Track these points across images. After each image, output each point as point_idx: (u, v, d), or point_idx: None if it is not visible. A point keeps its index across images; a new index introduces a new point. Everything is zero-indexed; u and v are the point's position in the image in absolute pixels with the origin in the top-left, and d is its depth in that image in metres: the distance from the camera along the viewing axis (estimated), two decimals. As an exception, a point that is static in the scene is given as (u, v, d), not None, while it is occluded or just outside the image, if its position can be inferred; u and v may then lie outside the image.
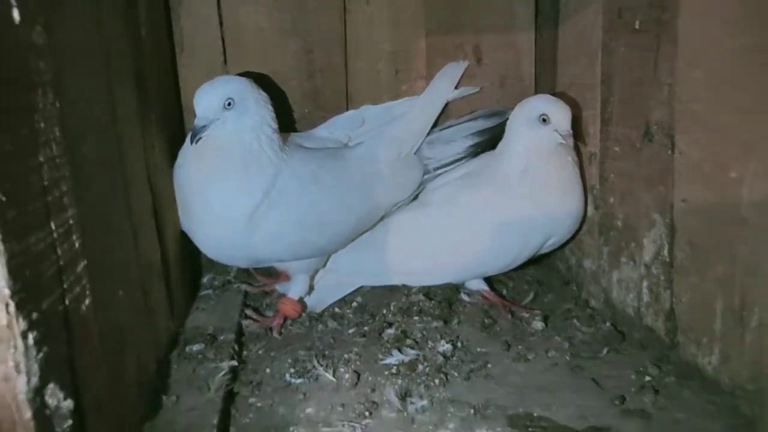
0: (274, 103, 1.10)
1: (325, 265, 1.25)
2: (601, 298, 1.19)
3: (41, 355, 0.51)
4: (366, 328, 1.15)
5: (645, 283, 1.05)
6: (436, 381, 0.96)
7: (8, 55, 0.52)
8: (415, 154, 1.27)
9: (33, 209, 0.54)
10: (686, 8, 0.89)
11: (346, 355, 1.05)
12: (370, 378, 0.98)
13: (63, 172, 0.61)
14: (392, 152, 1.22)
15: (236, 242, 1.08)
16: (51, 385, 0.53)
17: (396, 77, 1.36)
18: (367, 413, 0.89)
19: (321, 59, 1.32)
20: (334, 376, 0.99)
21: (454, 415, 0.88)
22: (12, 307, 0.48)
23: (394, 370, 1.00)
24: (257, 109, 1.05)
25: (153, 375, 0.89)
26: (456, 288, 1.29)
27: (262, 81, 1.22)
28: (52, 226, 0.57)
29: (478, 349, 1.07)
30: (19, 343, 0.49)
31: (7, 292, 0.48)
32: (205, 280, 1.31)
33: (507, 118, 1.22)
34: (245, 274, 1.34)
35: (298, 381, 0.98)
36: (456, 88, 1.34)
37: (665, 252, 0.99)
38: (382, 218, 1.24)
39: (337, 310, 1.24)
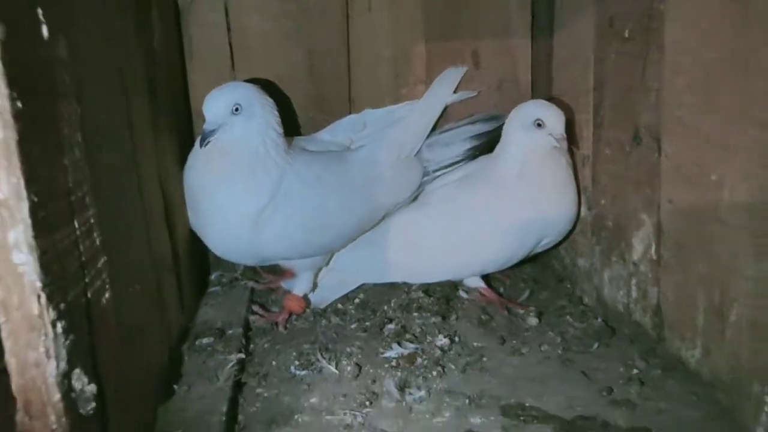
0: (279, 108, 1.14)
1: (328, 263, 1.29)
2: (594, 295, 1.23)
3: (68, 342, 0.56)
4: (367, 323, 1.19)
5: (634, 281, 1.09)
6: (434, 373, 1.01)
7: (38, 68, 0.57)
8: (415, 156, 1.30)
9: (59, 208, 0.59)
10: (671, 19, 0.93)
11: (348, 349, 1.09)
12: (370, 370, 1.03)
13: (84, 174, 0.66)
14: (393, 155, 1.26)
15: (243, 241, 1.12)
16: (77, 371, 0.58)
17: (396, 82, 1.40)
18: (367, 403, 0.93)
19: (324, 65, 1.36)
20: (336, 368, 1.03)
21: (449, 404, 0.93)
22: (43, 299, 0.53)
23: (393, 363, 1.04)
24: (263, 114, 1.10)
25: (165, 365, 0.94)
26: (454, 285, 1.33)
27: (267, 86, 1.27)
28: (76, 224, 0.62)
29: (475, 344, 1.11)
30: (49, 331, 0.54)
31: (38, 284, 0.53)
32: (213, 277, 1.36)
33: (504, 122, 1.27)
34: (251, 271, 1.39)
35: (303, 373, 1.02)
36: (455, 92, 1.37)
37: (652, 251, 1.03)
38: (383, 218, 1.27)
39: (339, 306, 1.27)
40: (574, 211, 1.24)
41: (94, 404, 0.60)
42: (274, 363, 1.06)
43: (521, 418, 0.90)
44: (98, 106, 0.74)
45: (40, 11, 0.58)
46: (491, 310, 1.24)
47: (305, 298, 1.26)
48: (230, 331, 1.11)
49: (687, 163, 0.93)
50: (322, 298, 1.28)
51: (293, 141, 1.23)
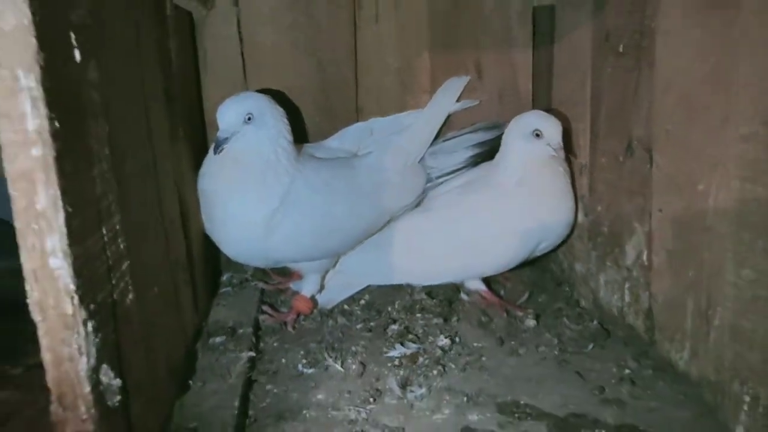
0: (289, 116, 1.19)
1: (335, 265, 1.34)
2: (590, 299, 1.28)
3: (97, 340, 0.62)
4: (372, 323, 1.24)
5: (627, 285, 1.14)
6: (435, 372, 1.06)
7: (71, 90, 0.62)
8: (419, 163, 1.35)
9: (89, 217, 0.64)
10: (661, 36, 0.98)
11: (353, 348, 1.14)
12: (374, 369, 1.08)
13: (111, 184, 0.71)
14: (398, 161, 1.31)
15: (254, 245, 1.17)
16: (104, 366, 0.63)
17: (402, 91, 1.45)
18: (371, 399, 0.98)
19: (333, 75, 1.41)
20: (342, 366, 1.08)
21: (449, 402, 0.98)
22: (76, 300, 0.59)
23: (396, 362, 1.09)
24: (274, 123, 1.15)
25: (181, 362, 1.00)
26: (456, 288, 1.37)
27: (278, 95, 1.32)
28: (103, 231, 0.67)
29: (474, 344, 1.16)
30: (81, 329, 0.60)
31: (72, 287, 0.58)
32: (224, 278, 1.41)
33: (504, 130, 1.32)
34: (261, 272, 1.44)
35: (310, 371, 1.08)
36: (457, 101, 1.41)
37: (644, 257, 1.08)
38: (388, 222, 1.32)
39: (346, 307, 1.32)
40: (571, 217, 1.29)
41: (119, 397, 0.66)
42: (283, 361, 1.11)
43: (516, 415, 0.94)
44: (123, 120, 0.79)
45: (72, 36, 0.63)
46: (491, 311, 1.28)
47: (313, 299, 1.31)
48: (241, 330, 1.16)
49: (676, 174, 0.98)
50: (329, 299, 1.33)
51: (302, 148, 1.28)
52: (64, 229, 0.57)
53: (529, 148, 1.24)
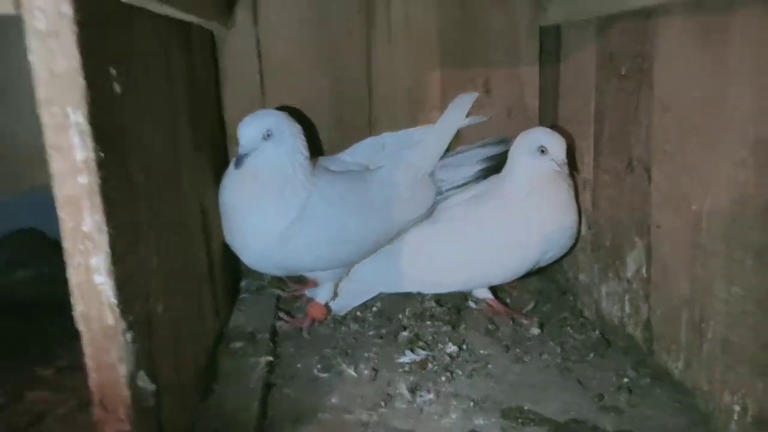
0: (305, 130, 1.24)
1: (348, 273, 1.39)
2: (593, 308, 1.33)
3: (135, 348, 0.68)
4: (383, 330, 1.30)
5: (627, 297, 1.19)
6: (443, 378, 1.11)
7: (113, 121, 0.69)
8: (429, 176, 1.40)
9: (129, 237, 0.70)
10: (659, 61, 1.03)
11: (365, 354, 1.20)
12: (386, 374, 1.13)
13: (146, 204, 0.77)
14: (409, 175, 1.36)
15: (271, 255, 1.23)
16: (141, 372, 0.69)
17: (413, 107, 1.50)
18: (382, 403, 1.04)
19: (347, 90, 1.47)
20: (355, 371, 1.14)
21: (456, 407, 1.03)
22: (117, 313, 0.65)
23: (407, 368, 1.15)
24: (292, 140, 1.21)
25: (204, 367, 1.06)
26: (464, 296, 1.43)
27: (294, 109, 1.39)
28: (140, 249, 0.74)
29: (481, 351, 1.21)
30: (121, 339, 0.66)
31: (114, 301, 0.64)
32: (242, 285, 1.48)
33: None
34: (277, 280, 1.50)
35: (324, 375, 1.13)
36: (467, 117, 1.45)
37: (643, 270, 1.13)
38: (399, 233, 1.37)
39: (358, 314, 1.38)
40: (575, 229, 1.34)
41: (153, 400, 0.72)
42: (299, 366, 1.17)
43: (519, 420, 1.00)
44: (155, 142, 0.86)
45: (113, 71, 0.69)
46: (498, 319, 1.34)
47: (327, 305, 1.36)
48: (259, 336, 1.22)
49: (672, 193, 1.03)
50: (342, 305, 1.38)
51: (317, 161, 1.33)
52: (107, 250, 0.63)
53: (534, 164, 1.29)
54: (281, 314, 1.36)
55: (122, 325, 0.66)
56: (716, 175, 0.91)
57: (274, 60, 1.44)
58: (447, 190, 1.42)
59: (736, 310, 0.88)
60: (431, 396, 1.06)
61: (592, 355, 1.19)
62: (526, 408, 1.03)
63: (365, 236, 1.31)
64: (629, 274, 1.18)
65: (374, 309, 1.40)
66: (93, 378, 0.66)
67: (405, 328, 1.30)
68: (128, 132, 0.73)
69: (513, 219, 1.32)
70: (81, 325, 0.65)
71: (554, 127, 1.37)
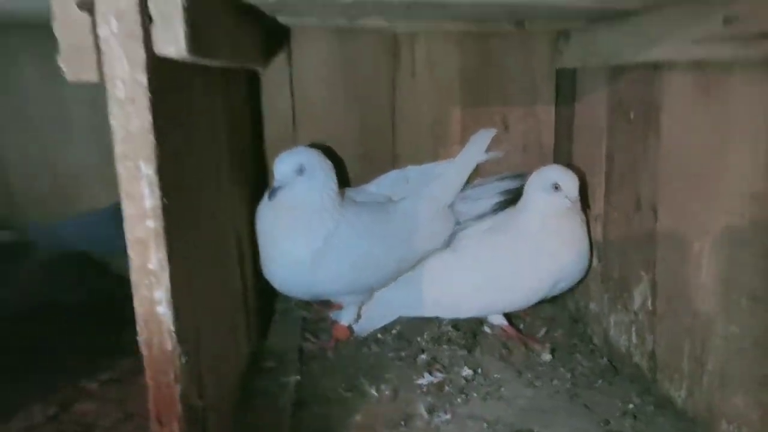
0: (333, 162, 1.34)
1: (370, 297, 1.47)
2: (602, 337, 1.40)
3: (188, 370, 0.77)
4: (403, 353, 1.37)
5: (634, 328, 1.26)
6: (459, 400, 1.19)
7: (176, 171, 0.78)
8: (449, 208, 1.48)
9: (186, 273, 0.79)
10: (665, 111, 1.11)
11: (386, 375, 1.27)
12: (405, 395, 1.20)
13: (200, 240, 0.87)
14: (430, 207, 1.43)
15: (301, 280, 1.31)
16: (193, 391, 0.78)
17: (435, 142, 1.57)
18: (402, 423, 1.11)
19: (372, 125, 1.55)
20: (376, 391, 1.21)
21: (471, 428, 1.10)
22: (174, 339, 0.74)
23: (424, 389, 1.22)
24: (323, 175, 1.30)
25: (239, 386, 1.15)
26: (480, 321, 1.50)
27: (323, 142, 1.49)
28: (194, 283, 0.83)
29: (495, 375, 1.28)
30: (177, 362, 0.75)
31: (172, 329, 0.73)
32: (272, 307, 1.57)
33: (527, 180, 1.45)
34: (304, 303, 1.58)
35: (348, 394, 1.21)
36: (486, 152, 1.52)
37: (649, 303, 1.20)
38: (419, 261, 1.44)
39: (379, 336, 1.45)
40: (586, 261, 1.41)
41: (201, 417, 0.81)
42: (324, 385, 1.24)
43: (529, 442, 1.08)
44: (204, 184, 0.95)
45: (176, 128, 0.79)
46: (511, 344, 1.41)
47: (350, 327, 1.44)
48: (288, 356, 1.31)
49: (676, 233, 1.10)
50: (364, 328, 1.45)
51: (345, 192, 1.42)
52: (168, 285, 0.72)
53: (548, 199, 1.36)
54: (307, 335, 1.44)
55: (178, 349, 0.75)
56: (715, 221, 0.98)
57: (306, 97, 1.52)
58: (465, 222, 1.49)
59: (733, 346, 0.95)
60: (448, 417, 1.13)
61: (599, 381, 1.26)
62: (536, 431, 1.10)
63: (388, 263, 1.39)
64: (636, 306, 1.25)
65: (394, 332, 1.47)
66: (152, 395, 0.75)
67: (423, 351, 1.38)
68: (186, 180, 0.82)
69: (527, 250, 1.39)
70: (144, 350, 0.74)
71: (569, 164, 1.45)
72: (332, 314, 1.51)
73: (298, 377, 1.23)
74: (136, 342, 1.34)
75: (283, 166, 1.28)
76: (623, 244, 1.30)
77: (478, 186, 1.54)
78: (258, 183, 1.51)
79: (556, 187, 1.35)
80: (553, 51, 1.54)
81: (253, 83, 1.49)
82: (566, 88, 1.54)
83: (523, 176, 1.49)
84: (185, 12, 0.69)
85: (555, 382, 1.27)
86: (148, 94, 0.68)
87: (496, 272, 1.42)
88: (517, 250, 1.41)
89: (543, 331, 1.50)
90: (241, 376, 1.17)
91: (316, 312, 1.57)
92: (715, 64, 0.95)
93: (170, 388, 0.75)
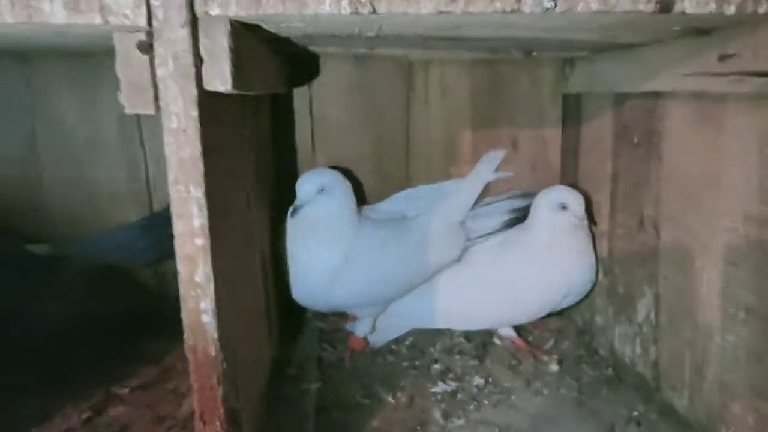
0: (350, 181, 1.42)
1: (385, 310, 1.54)
2: (607, 348, 1.47)
3: (228, 373, 0.84)
4: (417, 362, 1.43)
5: (638, 339, 1.33)
6: (471, 407, 1.25)
7: (219, 193, 0.86)
8: (460, 225, 1.55)
9: (228, 286, 0.87)
10: (667, 137, 1.18)
11: (401, 383, 1.33)
12: (420, 402, 1.27)
13: (234, 254, 0.94)
14: (442, 224, 1.50)
15: (320, 293, 1.39)
16: (232, 393, 0.85)
17: (447, 161, 1.64)
18: (418, 428, 1.18)
19: (387, 146, 1.62)
20: (392, 398, 1.28)
21: (483, 433, 1.19)
22: (218, 345, 0.81)
23: (438, 397, 1.29)
24: (342, 195, 1.38)
25: (264, 392, 1.22)
26: (490, 333, 1.56)
27: (340, 163, 1.57)
28: (231, 293, 0.90)
29: (505, 384, 1.34)
30: (220, 367, 0.82)
31: (216, 336, 0.80)
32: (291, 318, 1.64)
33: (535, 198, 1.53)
34: (320, 314, 1.65)
35: (366, 401, 1.27)
36: (495, 171, 1.60)
37: (652, 316, 1.27)
38: (432, 275, 1.51)
39: (393, 347, 1.51)
40: (593, 275, 1.48)
41: (238, 418, 0.88)
42: (342, 392, 1.31)
43: (539, 446, 1.14)
44: (239, 203, 1.03)
45: (219, 154, 0.86)
46: (520, 355, 1.48)
47: (365, 338, 1.51)
48: (308, 365, 1.38)
49: (678, 250, 1.17)
50: (379, 339, 1.52)
51: (362, 210, 1.50)
52: (213, 296, 0.80)
53: (556, 218, 1.43)
54: (325, 345, 1.51)
55: (221, 355, 0.82)
56: (713, 239, 1.05)
57: (324, 119, 1.60)
58: (476, 238, 1.56)
59: (730, 356, 1.02)
60: (461, 422, 1.20)
61: (605, 390, 1.33)
62: (545, 436, 1.17)
63: (402, 278, 1.47)
64: (640, 318, 1.32)
65: (407, 343, 1.54)
66: (196, 397, 0.82)
67: (436, 361, 1.44)
68: (225, 202, 0.90)
69: (536, 265, 1.46)
70: (189, 355, 0.81)
71: (575, 183, 1.53)
72: (348, 326, 1.58)
73: (318, 384, 1.30)
74: (159, 351, 1.44)
75: (305, 186, 1.36)
76: (628, 260, 1.37)
77: (488, 204, 1.61)
78: (277, 202, 1.58)
79: (564, 207, 1.43)
80: (560, 77, 1.62)
81: (274, 106, 1.57)
82: (572, 112, 1.61)
83: (531, 195, 1.56)
84: (231, 52, 0.77)
85: (562, 390, 1.33)
86: (199, 126, 0.76)
87: (505, 286, 1.49)
88: (526, 266, 1.47)
89: (550, 342, 1.56)
90: (266, 384, 1.24)
91: (332, 323, 1.64)
92: (711, 95, 1.02)
93: (213, 390, 0.82)
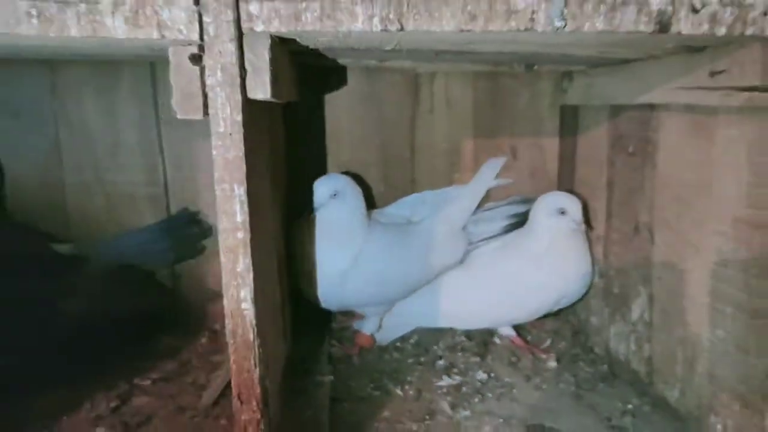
0: (359, 184, 1.50)
1: (391, 309, 1.61)
2: (602, 346, 1.55)
3: (263, 357, 0.91)
4: (422, 359, 1.51)
5: (632, 337, 1.41)
6: (476, 399, 1.33)
7: (258, 192, 0.93)
8: (462, 229, 1.63)
9: (260, 276, 0.94)
10: (661, 146, 1.26)
11: (408, 378, 1.41)
12: (427, 395, 1.34)
13: (265, 250, 1.01)
14: (446, 228, 1.58)
15: (331, 293, 1.46)
16: (265, 375, 0.92)
17: (450, 168, 1.71)
18: (427, 417, 1.25)
19: (394, 153, 1.69)
20: (401, 391, 1.35)
21: (488, 422, 1.24)
22: (255, 330, 0.88)
23: (444, 390, 1.36)
24: (353, 199, 1.46)
25: (281, 384, 1.28)
26: (490, 332, 1.64)
27: (348, 168, 1.65)
28: (264, 284, 0.98)
29: (506, 379, 1.42)
30: (256, 350, 0.89)
31: (254, 322, 0.88)
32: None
33: (534, 203, 1.61)
34: (328, 313, 1.73)
35: (376, 393, 1.35)
36: (496, 178, 1.68)
37: (646, 315, 1.36)
38: (436, 276, 1.58)
39: (398, 344, 1.58)
40: (588, 278, 1.56)
41: (269, 400, 0.95)
42: (353, 385, 1.38)
43: (541, 434, 1.22)
44: (266, 203, 1.10)
45: (256, 155, 0.94)
46: (519, 353, 1.57)
47: (372, 336, 1.58)
48: (319, 360, 1.46)
49: (670, 253, 1.26)
50: (385, 337, 1.59)
51: (371, 214, 1.58)
52: (252, 285, 0.87)
53: (554, 223, 1.51)
54: (333, 342, 1.58)
55: (258, 340, 0.89)
56: (704, 241, 1.14)
57: (335, 127, 1.67)
58: (477, 242, 1.64)
59: (719, 349, 1.10)
60: (467, 413, 1.28)
61: (601, 385, 1.41)
62: (546, 425, 1.24)
63: (408, 279, 1.54)
64: (634, 317, 1.40)
65: (412, 341, 1.61)
66: (235, 378, 0.89)
67: (440, 358, 1.52)
68: (259, 199, 0.97)
69: (534, 268, 1.53)
70: (229, 339, 0.89)
71: (572, 189, 1.62)
72: (355, 324, 1.65)
73: (331, 377, 1.38)
74: (176, 347, 1.50)
75: (319, 190, 1.43)
76: (623, 263, 1.45)
77: (489, 209, 1.69)
78: (289, 205, 1.65)
79: (563, 212, 1.51)
80: (558, 90, 1.71)
81: (285, 114, 1.64)
82: (569, 122, 1.70)
83: (530, 201, 1.63)
84: (270, 65, 0.85)
85: (561, 385, 1.41)
86: (242, 130, 0.84)
87: (505, 288, 1.56)
88: (525, 268, 1.55)
89: (548, 342, 1.64)
90: (282, 377, 1.31)
91: (340, 322, 1.71)
92: (702, 108, 1.11)
93: (250, 372, 0.89)
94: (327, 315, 1.72)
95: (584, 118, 1.63)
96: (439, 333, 1.64)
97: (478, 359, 1.52)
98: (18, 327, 1.20)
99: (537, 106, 1.72)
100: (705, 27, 0.86)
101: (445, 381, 1.41)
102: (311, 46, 1.03)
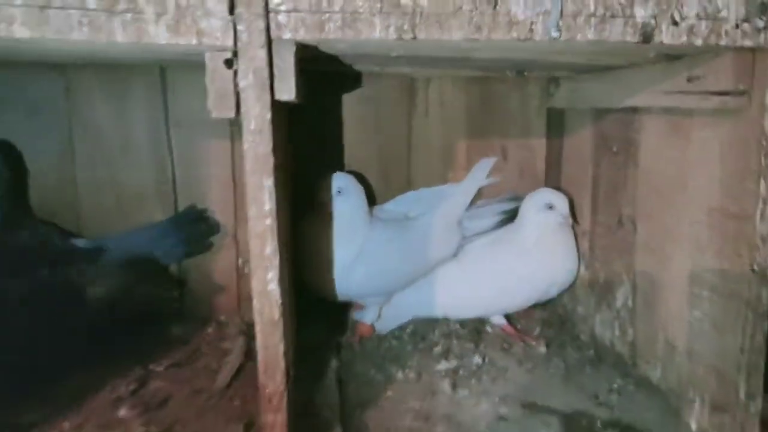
0: (359, 182, 1.59)
1: (389, 300, 1.70)
2: (588, 334, 1.66)
3: (286, 335, 1.00)
4: (420, 346, 1.59)
5: (616, 323, 1.52)
6: (473, 381, 1.42)
7: (282, 184, 1.02)
8: (456, 225, 1.72)
9: (284, 260, 1.03)
10: (642, 146, 1.38)
11: (409, 362, 1.49)
12: (427, 377, 1.43)
13: (286, 237, 1.10)
14: (441, 224, 1.66)
15: (336, 284, 1.56)
16: (288, 352, 1.01)
17: (444, 167, 1.79)
18: (429, 395, 1.35)
19: (391, 153, 1.77)
20: (402, 374, 1.44)
21: (486, 400, 1.33)
22: (280, 309, 0.97)
23: (443, 373, 1.45)
24: (356, 197, 1.55)
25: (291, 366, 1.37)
26: (483, 321, 1.73)
27: (348, 167, 1.74)
28: (286, 268, 1.06)
29: (500, 364, 1.50)
30: (281, 328, 0.97)
31: (279, 301, 0.96)
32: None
33: (523, 201, 1.71)
34: (327, 303, 1.81)
35: (379, 376, 1.43)
36: (487, 177, 1.78)
37: (629, 301, 1.46)
38: (432, 269, 1.67)
39: (396, 333, 1.66)
40: (575, 270, 1.67)
41: (290, 376, 1.03)
42: (358, 369, 1.47)
43: (535, 410, 1.31)
44: (284, 195, 1.19)
45: (282, 149, 1.03)
46: (510, 341, 1.67)
47: (372, 325, 1.67)
48: (324, 347, 1.54)
49: (652, 243, 1.37)
50: (384, 326, 1.67)
51: (372, 210, 1.67)
52: (278, 267, 0.96)
53: (543, 218, 1.62)
54: (335, 330, 1.67)
55: (282, 319, 0.98)
56: (682, 231, 1.24)
57: (335, 129, 1.75)
58: (471, 236, 1.73)
59: (696, 329, 1.21)
60: (466, 392, 1.37)
61: (588, 368, 1.50)
62: (539, 403, 1.34)
63: (406, 271, 1.63)
64: (618, 304, 1.51)
65: (408, 330, 1.69)
66: (261, 353, 0.98)
67: (437, 344, 1.61)
68: (281, 191, 1.06)
69: (524, 260, 1.63)
70: (256, 317, 0.97)
71: (558, 187, 1.72)
72: (355, 314, 1.74)
73: (338, 362, 1.46)
74: (185, 335, 1.58)
75: (326, 187, 1.53)
76: (607, 254, 1.56)
77: (481, 206, 1.79)
78: (295, 200, 1.74)
79: (550, 207, 1.61)
80: (545, 94, 1.81)
81: (292, 115, 1.73)
82: (556, 124, 1.80)
83: (519, 198, 1.73)
84: (296, 69, 0.94)
85: (551, 369, 1.51)
86: (271, 127, 0.93)
87: (496, 279, 1.65)
88: (515, 261, 1.65)
89: (537, 330, 1.73)
90: (294, 362, 1.40)
91: (340, 312, 1.79)
92: (680, 110, 1.22)
93: (276, 347, 0.98)
94: (327, 305, 1.79)
95: (570, 120, 1.74)
96: (434, 322, 1.72)
97: (472, 345, 1.61)
98: (51, 314, 1.28)
99: (526, 109, 1.82)
100: (684, 38, 0.97)
101: (443, 365, 1.50)
102: (329, 52, 1.12)
